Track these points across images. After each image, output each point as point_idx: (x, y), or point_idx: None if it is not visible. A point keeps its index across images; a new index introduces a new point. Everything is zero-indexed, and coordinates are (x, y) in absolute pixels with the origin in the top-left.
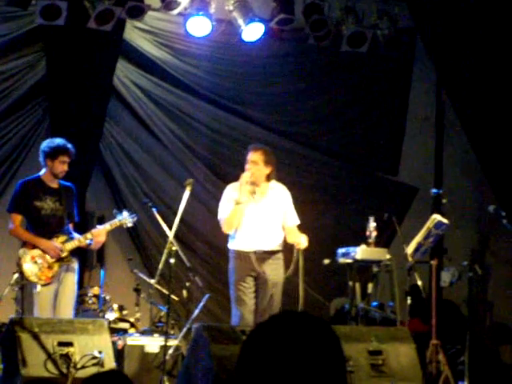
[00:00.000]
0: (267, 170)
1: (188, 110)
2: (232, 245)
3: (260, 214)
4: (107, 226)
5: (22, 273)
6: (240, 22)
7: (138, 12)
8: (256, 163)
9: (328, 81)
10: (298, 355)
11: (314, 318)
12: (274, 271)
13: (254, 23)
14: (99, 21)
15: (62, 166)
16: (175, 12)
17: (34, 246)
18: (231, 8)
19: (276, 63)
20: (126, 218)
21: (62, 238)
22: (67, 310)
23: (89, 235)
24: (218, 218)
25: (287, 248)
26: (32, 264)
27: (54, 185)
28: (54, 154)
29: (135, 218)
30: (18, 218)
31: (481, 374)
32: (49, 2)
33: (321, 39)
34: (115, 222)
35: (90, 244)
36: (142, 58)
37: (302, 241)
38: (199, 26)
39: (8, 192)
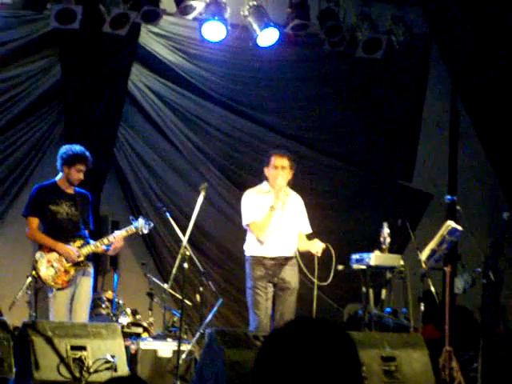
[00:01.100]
0: (289, 176)
1: (202, 114)
2: (251, 251)
3: (281, 221)
4: (123, 232)
5: (38, 276)
6: (255, 27)
7: (153, 16)
8: (285, 168)
9: (343, 86)
10: (314, 361)
11: (330, 324)
12: (292, 277)
13: (269, 28)
14: (114, 25)
15: (78, 174)
16: (190, 17)
17: (51, 250)
18: (246, 13)
19: (291, 68)
20: (142, 225)
21: (79, 243)
22: (83, 314)
23: (105, 240)
24: (245, 223)
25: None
26: (48, 268)
27: (70, 191)
28: (71, 161)
29: (151, 225)
30: (34, 222)
31: (494, 380)
32: (64, 6)
33: (336, 45)
34: (131, 229)
35: (107, 250)
36: (156, 63)
37: (319, 246)
38: (214, 31)
39: (22, 196)
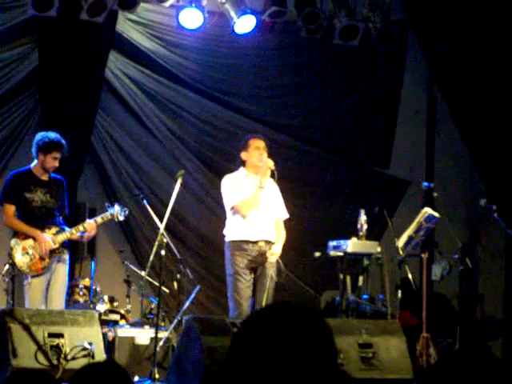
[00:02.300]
0: None
1: (179, 101)
2: (232, 235)
3: (261, 205)
4: (98, 219)
5: (13, 263)
6: (232, 14)
7: (131, 4)
8: (265, 150)
9: (320, 74)
10: (289, 346)
11: (305, 309)
12: (271, 263)
13: (246, 15)
14: (91, 12)
15: (53, 161)
16: (167, 4)
17: (26, 237)
18: (223, 0)
19: (268, 56)
20: (117, 212)
21: (54, 230)
22: (59, 301)
23: (80, 227)
24: (231, 205)
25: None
26: (24, 255)
27: (44, 177)
28: (47, 148)
29: (127, 212)
30: (10, 209)
31: None
32: None
33: (313, 32)
34: (107, 216)
35: (81, 236)
36: (134, 50)
37: (275, 252)
38: (191, 18)
39: None
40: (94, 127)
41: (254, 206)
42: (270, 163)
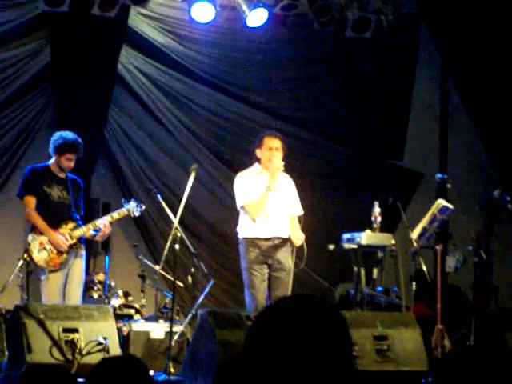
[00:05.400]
0: (281, 157)
1: (192, 95)
2: (244, 233)
3: (275, 202)
4: (115, 215)
5: (31, 259)
6: (244, 7)
7: None
8: (278, 149)
9: (332, 66)
10: (305, 339)
11: (321, 302)
12: (287, 259)
13: (258, 9)
14: (103, 7)
15: (68, 162)
16: None
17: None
18: None
19: (280, 49)
20: (133, 208)
21: (71, 225)
22: (76, 296)
23: (97, 222)
24: (240, 204)
25: None
26: (41, 250)
27: (62, 175)
28: (61, 150)
29: (143, 208)
30: (32, 201)
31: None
32: None
33: (325, 25)
34: (123, 211)
35: (94, 235)
36: (146, 45)
37: (300, 236)
38: (203, 12)
39: (12, 179)
40: (106, 122)
41: (263, 209)
42: (279, 164)
